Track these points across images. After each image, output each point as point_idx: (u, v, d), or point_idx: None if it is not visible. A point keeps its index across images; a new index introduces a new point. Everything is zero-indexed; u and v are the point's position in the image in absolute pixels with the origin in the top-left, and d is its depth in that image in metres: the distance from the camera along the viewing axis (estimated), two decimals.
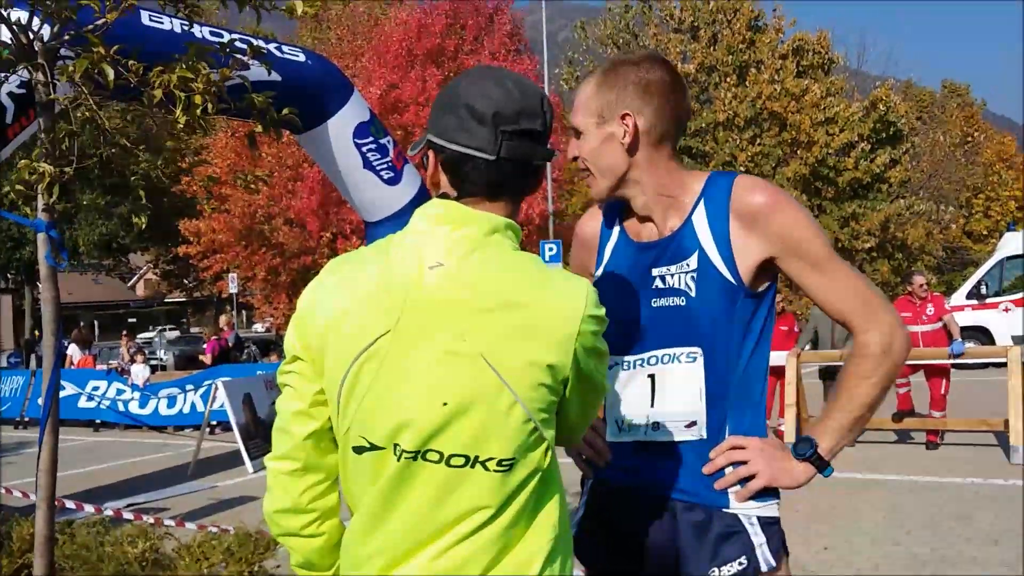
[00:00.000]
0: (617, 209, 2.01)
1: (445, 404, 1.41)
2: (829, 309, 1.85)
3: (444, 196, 1.53)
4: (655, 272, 1.87)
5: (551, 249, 21.36)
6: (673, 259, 1.86)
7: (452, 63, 23.18)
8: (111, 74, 2.74)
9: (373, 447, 1.46)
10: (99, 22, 2.86)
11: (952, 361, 8.47)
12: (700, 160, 21.73)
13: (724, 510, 1.80)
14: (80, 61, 2.72)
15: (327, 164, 8.48)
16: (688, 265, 1.83)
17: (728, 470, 1.80)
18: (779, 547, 1.81)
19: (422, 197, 9.17)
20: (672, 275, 1.85)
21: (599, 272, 1.99)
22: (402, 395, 1.43)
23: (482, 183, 1.49)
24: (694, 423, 1.83)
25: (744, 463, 1.79)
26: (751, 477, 1.79)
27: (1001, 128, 45.96)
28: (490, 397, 1.40)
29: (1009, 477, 7.11)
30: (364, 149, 8.23)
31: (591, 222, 2.07)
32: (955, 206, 31.32)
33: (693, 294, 1.81)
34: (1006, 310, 15.19)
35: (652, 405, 1.86)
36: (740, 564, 1.76)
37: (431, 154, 1.53)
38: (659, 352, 1.86)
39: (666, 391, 1.85)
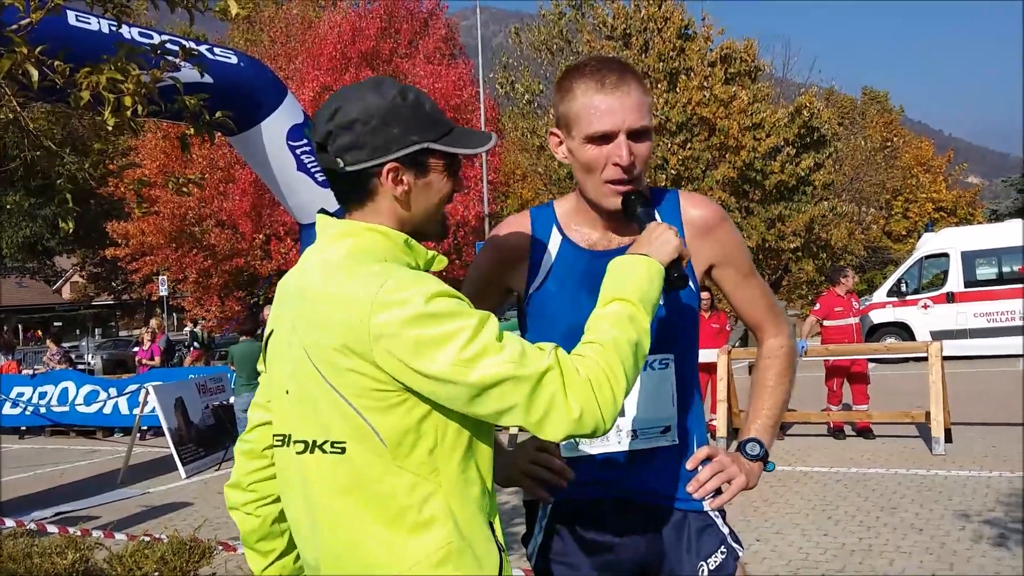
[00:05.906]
0: (550, 216, 1.91)
1: (288, 392, 1.53)
2: (748, 313, 1.97)
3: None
4: None
5: None
6: None
7: (387, 66, 23.07)
8: (35, 75, 2.69)
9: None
10: (23, 22, 2.80)
11: (871, 356, 8.83)
12: None
13: (699, 512, 1.86)
14: (3, 61, 2.66)
15: (260, 166, 8.38)
16: None
17: (703, 476, 1.84)
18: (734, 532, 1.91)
19: None
20: None
21: (538, 282, 1.88)
22: (272, 384, 1.59)
23: None
24: (668, 428, 1.85)
25: (721, 471, 1.84)
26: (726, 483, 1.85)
27: (919, 133, 47.48)
28: (311, 383, 1.48)
29: (931, 467, 7.36)
30: (298, 151, 8.16)
31: (517, 230, 1.91)
32: (876, 208, 32.32)
33: (663, 300, 1.76)
34: (925, 307, 15.76)
35: (623, 414, 1.82)
36: (721, 553, 1.84)
37: None
38: None
39: (639, 399, 1.84)
